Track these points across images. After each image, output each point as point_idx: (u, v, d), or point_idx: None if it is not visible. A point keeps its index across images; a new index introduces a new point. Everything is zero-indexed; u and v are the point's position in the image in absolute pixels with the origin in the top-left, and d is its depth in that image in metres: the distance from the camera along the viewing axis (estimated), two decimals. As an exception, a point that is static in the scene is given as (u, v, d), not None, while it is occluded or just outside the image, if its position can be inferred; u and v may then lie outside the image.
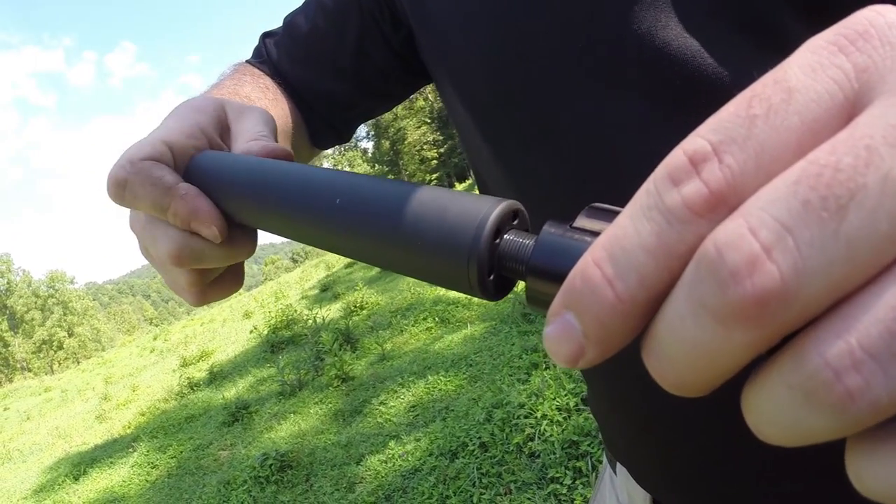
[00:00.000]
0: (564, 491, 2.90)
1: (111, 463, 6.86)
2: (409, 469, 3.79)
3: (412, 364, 5.58)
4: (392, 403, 4.92)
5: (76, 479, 6.85)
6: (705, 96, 0.46)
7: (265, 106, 0.73)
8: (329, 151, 56.57)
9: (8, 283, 74.18)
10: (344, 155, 55.49)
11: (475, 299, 6.49)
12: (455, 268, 0.30)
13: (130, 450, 7.00)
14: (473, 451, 3.56)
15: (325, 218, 0.37)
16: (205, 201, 0.46)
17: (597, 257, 0.21)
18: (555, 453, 3.14)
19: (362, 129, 54.15)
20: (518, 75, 0.56)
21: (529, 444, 3.32)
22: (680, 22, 0.46)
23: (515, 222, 0.31)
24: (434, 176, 43.41)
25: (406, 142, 46.76)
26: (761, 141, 0.19)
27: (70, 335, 74.91)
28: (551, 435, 3.25)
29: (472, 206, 0.30)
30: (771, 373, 0.19)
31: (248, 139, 0.50)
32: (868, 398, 0.17)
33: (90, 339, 76.05)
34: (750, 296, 0.17)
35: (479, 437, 3.61)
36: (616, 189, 0.53)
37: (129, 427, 8.19)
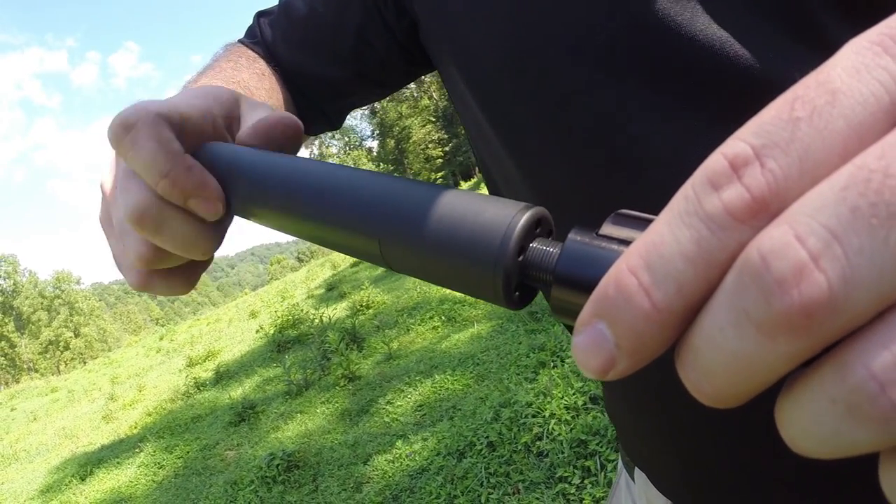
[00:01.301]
0: (573, 490, 2.88)
1: (118, 463, 6.87)
2: (416, 469, 3.78)
3: (419, 363, 5.58)
4: (399, 403, 4.92)
5: (83, 479, 6.87)
6: (735, 91, 0.45)
7: (263, 96, 0.72)
8: (334, 151, 56.71)
9: (14, 283, 74.55)
10: (349, 154, 55.62)
11: (481, 298, 6.53)
12: (481, 278, 0.29)
13: (137, 450, 7.01)
14: (481, 450, 3.54)
15: (346, 222, 0.36)
16: (213, 179, 0.44)
17: (632, 265, 0.20)
18: (563, 452, 3.13)
19: (367, 128, 54.27)
20: (537, 68, 0.55)
21: (537, 443, 3.30)
22: (708, 14, 0.45)
23: (539, 230, 0.30)
24: (439, 174, 43.54)
25: (411, 140, 46.87)
26: (806, 145, 0.18)
27: (76, 335, 75.24)
28: (559, 434, 3.23)
29: (497, 213, 0.29)
30: (811, 385, 0.18)
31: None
32: None
33: (96, 340, 76.38)
34: (797, 305, 0.17)
35: (487, 437, 3.60)
36: (638, 184, 0.52)
37: (135, 427, 8.21)
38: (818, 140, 0.18)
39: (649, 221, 0.24)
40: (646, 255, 0.20)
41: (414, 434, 4.24)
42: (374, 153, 55.05)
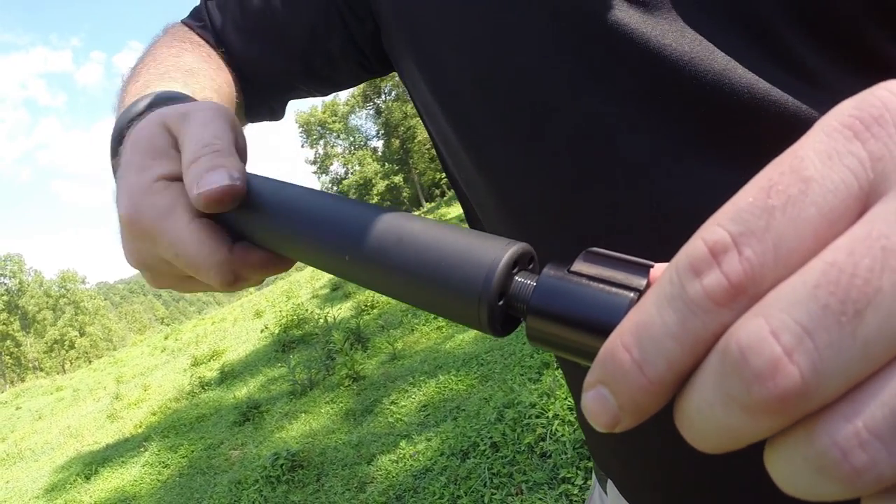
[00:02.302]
0: (576, 491, 2.89)
1: (122, 462, 6.89)
2: (420, 469, 3.79)
3: (423, 363, 5.58)
4: (403, 403, 4.92)
5: (87, 478, 6.89)
6: (705, 100, 0.46)
7: (209, 75, 0.71)
8: (339, 150, 56.70)
9: (20, 283, 74.68)
10: (354, 154, 55.61)
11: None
12: (468, 309, 0.32)
13: (142, 449, 7.03)
14: (485, 451, 3.55)
15: (353, 256, 0.38)
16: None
17: (626, 342, 0.23)
18: (566, 453, 3.13)
19: (372, 128, 54.25)
20: (506, 80, 0.55)
21: (541, 443, 3.30)
22: (678, 29, 0.47)
23: (521, 265, 0.33)
24: (443, 175, 43.42)
25: (416, 140, 46.83)
26: (780, 233, 0.20)
27: (81, 335, 75.39)
28: (563, 435, 3.24)
29: (486, 249, 0.32)
30: (788, 444, 0.20)
31: (190, 159, 0.45)
32: (874, 473, 0.18)
33: (101, 339, 76.52)
34: (773, 395, 0.19)
35: (491, 437, 3.60)
36: (608, 198, 0.52)
37: (140, 426, 8.23)
38: (792, 228, 0.20)
39: (617, 260, 0.27)
40: (637, 334, 0.22)
41: (418, 434, 4.25)
42: (379, 153, 55.03)
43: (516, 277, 0.32)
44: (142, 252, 0.48)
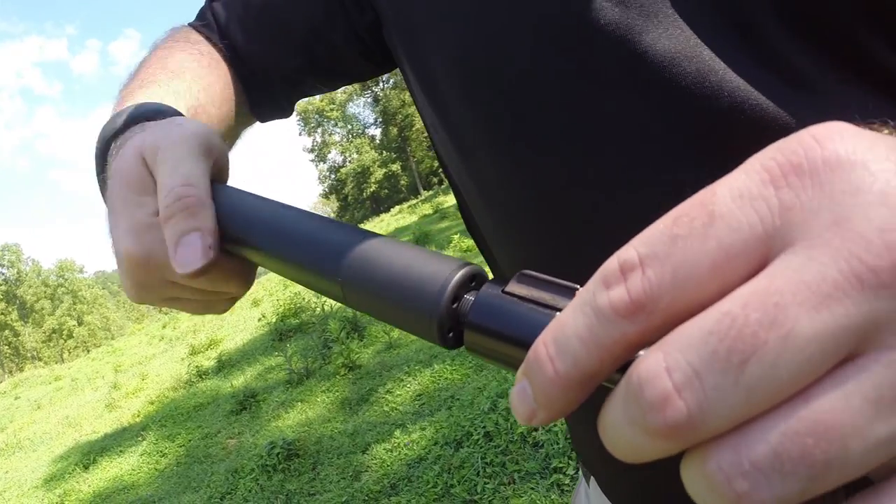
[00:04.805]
0: (567, 481, 2.91)
1: (120, 451, 6.92)
2: (414, 458, 3.82)
3: (418, 353, 5.59)
4: (398, 392, 4.94)
5: (86, 467, 6.91)
6: (687, 101, 0.46)
7: (197, 74, 0.72)
8: (337, 139, 56.53)
9: (18, 272, 74.60)
10: (352, 142, 55.48)
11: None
12: (421, 324, 0.36)
13: (140, 438, 7.05)
14: (478, 440, 3.57)
15: (318, 270, 0.42)
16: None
17: (545, 338, 0.25)
18: (558, 443, 3.15)
19: (370, 116, 54.09)
20: (492, 78, 0.55)
21: (533, 433, 3.33)
22: (661, 27, 0.46)
23: (473, 283, 0.36)
24: (441, 163, 43.27)
25: (414, 128, 46.70)
26: (679, 260, 0.22)
27: (80, 324, 75.36)
28: (555, 425, 3.25)
29: (437, 270, 0.36)
30: (690, 461, 0.22)
31: (165, 215, 0.48)
32: (754, 499, 0.20)
33: (100, 328, 76.50)
34: (664, 424, 0.21)
35: (484, 427, 3.62)
36: (592, 194, 0.53)
37: (138, 416, 8.24)
38: (690, 258, 0.22)
39: (546, 282, 0.30)
40: (554, 333, 0.25)
41: (412, 423, 4.27)
42: (377, 141, 54.90)
43: (467, 295, 0.35)
44: (150, 283, 0.52)
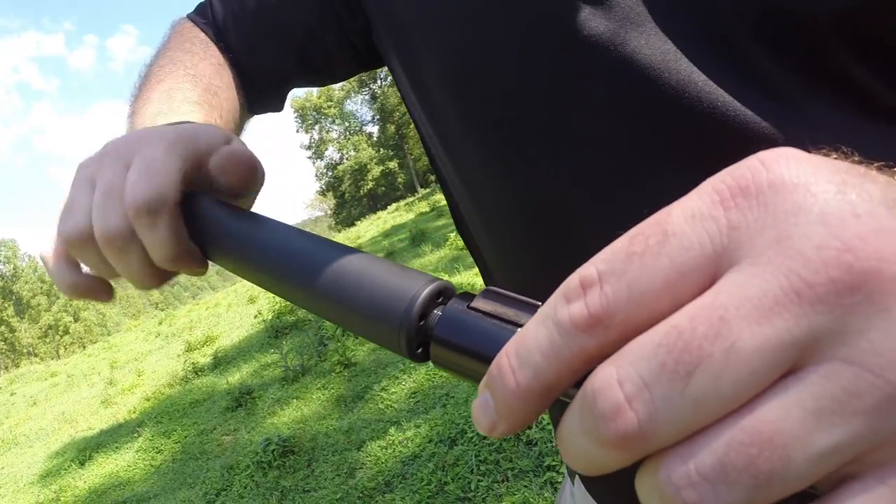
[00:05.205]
0: (560, 479, 2.92)
1: (116, 448, 6.91)
2: (408, 455, 3.82)
3: (414, 350, 5.58)
4: (393, 389, 4.95)
5: (82, 464, 6.90)
6: (668, 112, 0.47)
7: (222, 89, 0.73)
8: (334, 136, 56.41)
9: (14, 268, 74.33)
10: (349, 139, 55.33)
11: (478, 286, 6.50)
12: (390, 338, 0.37)
13: (135, 434, 7.05)
14: (472, 438, 3.58)
15: (296, 284, 0.43)
16: (202, 260, 0.53)
17: (507, 351, 0.26)
18: (552, 441, 3.17)
19: (367, 113, 53.96)
20: (481, 84, 0.56)
21: (527, 431, 3.33)
22: (643, 37, 0.47)
23: (441, 299, 0.37)
24: (438, 160, 43.13)
25: (411, 126, 46.46)
26: (635, 276, 0.23)
27: (76, 320, 75.14)
28: (548, 423, 3.27)
29: (407, 286, 0.37)
30: (643, 471, 0.24)
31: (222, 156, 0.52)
32: None
33: (96, 324, 76.31)
34: (615, 434, 0.22)
35: (478, 424, 3.62)
36: (575, 204, 0.54)
37: (134, 412, 8.23)
38: (645, 274, 0.23)
39: (510, 299, 0.31)
40: (516, 345, 0.26)
41: (407, 421, 4.28)
42: (375, 138, 54.76)
43: (436, 311, 0.36)
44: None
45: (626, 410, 0.22)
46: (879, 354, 0.20)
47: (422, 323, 0.36)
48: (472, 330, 0.31)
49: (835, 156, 0.25)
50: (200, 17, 0.83)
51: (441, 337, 0.33)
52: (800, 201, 0.22)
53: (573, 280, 0.25)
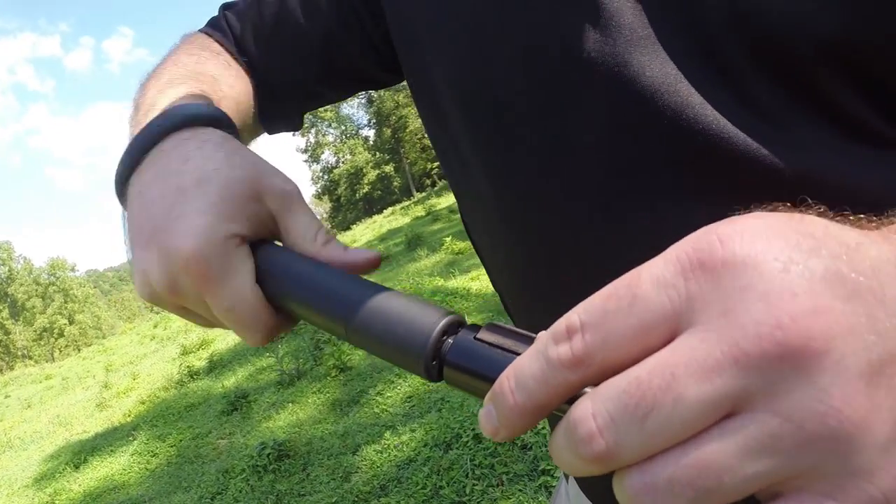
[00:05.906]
0: (555, 483, 2.92)
1: (111, 451, 6.90)
2: (403, 459, 3.84)
3: (409, 355, 5.58)
4: (389, 394, 4.96)
5: (76, 467, 6.89)
6: (666, 135, 0.48)
7: (230, 84, 0.73)
8: (330, 139, 56.39)
9: (9, 270, 74.17)
10: (345, 143, 55.33)
11: (473, 290, 6.54)
12: (410, 363, 0.44)
13: (130, 438, 7.04)
14: (467, 442, 3.60)
15: (331, 318, 0.50)
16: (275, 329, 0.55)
17: (508, 374, 0.33)
18: (546, 446, 3.17)
19: (364, 117, 53.95)
20: (485, 100, 0.58)
21: (522, 436, 3.34)
22: (645, 59, 0.48)
23: (446, 334, 0.43)
24: (435, 164, 43.21)
25: (408, 130, 46.59)
26: (609, 329, 0.29)
27: (71, 323, 74.90)
28: (543, 427, 3.27)
29: (424, 321, 0.43)
30: (615, 479, 0.29)
31: (317, 242, 0.55)
32: None
33: (91, 327, 76.01)
34: (589, 455, 0.28)
35: (473, 429, 3.65)
36: (571, 222, 0.55)
37: (129, 415, 8.22)
38: (617, 328, 0.29)
39: (509, 331, 0.38)
40: (515, 370, 0.32)
41: (402, 425, 4.29)
42: (371, 142, 54.76)
43: (447, 340, 0.42)
44: (181, 286, 0.51)
45: (598, 437, 0.28)
46: (800, 410, 0.25)
47: (436, 351, 0.43)
48: (479, 357, 0.38)
49: (811, 212, 0.30)
50: (214, 30, 0.81)
51: (453, 362, 0.40)
52: (747, 279, 0.27)
53: (561, 325, 0.31)
